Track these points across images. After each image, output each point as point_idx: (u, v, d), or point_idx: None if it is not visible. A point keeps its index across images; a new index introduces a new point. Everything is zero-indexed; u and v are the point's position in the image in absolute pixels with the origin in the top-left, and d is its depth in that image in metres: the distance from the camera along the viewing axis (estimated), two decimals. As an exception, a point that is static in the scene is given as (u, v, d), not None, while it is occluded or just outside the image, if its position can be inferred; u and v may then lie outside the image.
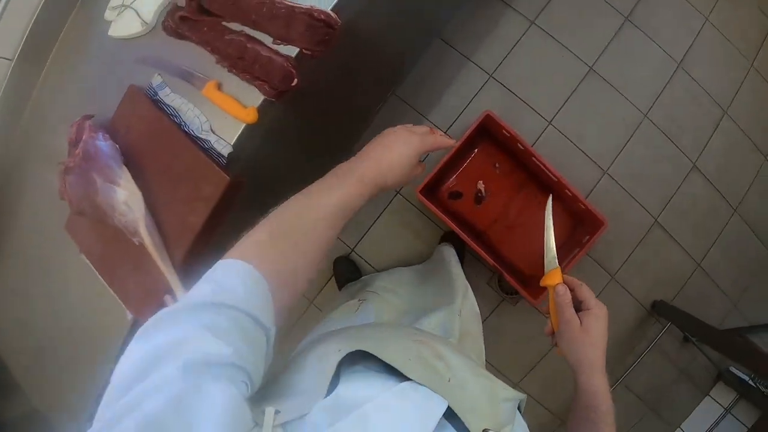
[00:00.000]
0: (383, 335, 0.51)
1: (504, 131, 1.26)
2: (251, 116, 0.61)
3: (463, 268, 1.05)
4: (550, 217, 0.59)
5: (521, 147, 1.27)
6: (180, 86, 0.66)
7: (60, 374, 0.79)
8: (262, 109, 0.62)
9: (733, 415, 1.68)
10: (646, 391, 1.66)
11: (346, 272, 1.50)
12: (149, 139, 0.65)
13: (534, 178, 1.40)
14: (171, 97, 0.66)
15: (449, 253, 1.15)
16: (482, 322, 0.84)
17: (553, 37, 1.51)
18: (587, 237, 1.26)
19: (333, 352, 0.38)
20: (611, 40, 1.53)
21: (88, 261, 0.71)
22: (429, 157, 0.75)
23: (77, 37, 0.77)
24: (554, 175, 1.26)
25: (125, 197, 0.63)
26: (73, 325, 0.76)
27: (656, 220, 1.57)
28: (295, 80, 0.60)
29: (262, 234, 0.41)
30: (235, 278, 0.36)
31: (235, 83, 0.63)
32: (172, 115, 0.66)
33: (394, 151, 0.49)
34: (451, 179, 1.42)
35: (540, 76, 1.51)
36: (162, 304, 0.64)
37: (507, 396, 0.44)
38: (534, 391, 1.58)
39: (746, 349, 1.23)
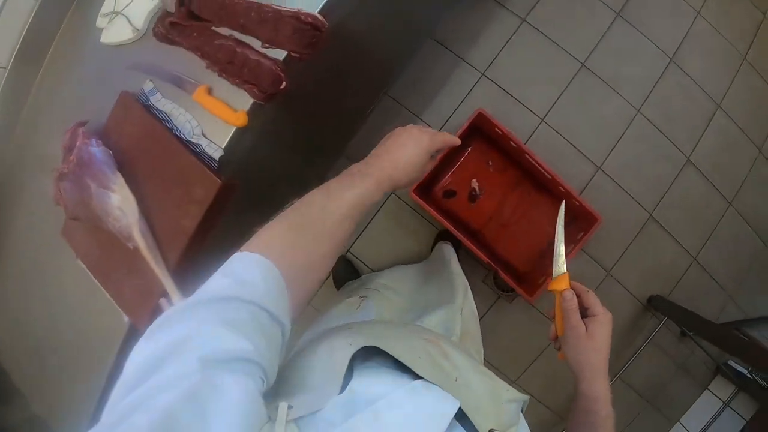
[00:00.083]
0: (392, 332, 0.51)
1: (496, 129, 1.27)
2: (241, 120, 0.62)
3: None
4: (562, 223, 0.58)
5: (514, 145, 1.28)
6: (171, 91, 0.67)
7: (59, 379, 0.79)
8: (252, 113, 0.63)
9: (732, 408, 1.69)
10: (644, 387, 1.66)
11: (343, 272, 1.51)
12: (142, 144, 0.66)
13: (528, 176, 1.40)
14: (162, 103, 0.67)
15: (449, 251, 1.16)
16: (479, 320, 0.84)
17: (545, 34, 1.51)
18: (581, 233, 1.26)
19: (344, 347, 0.38)
20: (603, 36, 1.54)
21: (84, 266, 0.72)
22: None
23: (70, 44, 0.78)
24: (547, 172, 1.26)
25: (119, 202, 0.63)
26: (71, 330, 0.77)
27: (651, 215, 1.58)
28: (284, 83, 0.61)
29: (280, 228, 0.41)
30: (254, 272, 0.36)
31: (225, 87, 0.63)
32: (163, 120, 0.66)
33: (408, 149, 0.50)
34: (444, 178, 1.42)
35: (532, 74, 1.51)
36: (157, 307, 0.64)
37: (511, 397, 0.44)
38: (532, 388, 1.58)
39: (743, 343, 1.24)
